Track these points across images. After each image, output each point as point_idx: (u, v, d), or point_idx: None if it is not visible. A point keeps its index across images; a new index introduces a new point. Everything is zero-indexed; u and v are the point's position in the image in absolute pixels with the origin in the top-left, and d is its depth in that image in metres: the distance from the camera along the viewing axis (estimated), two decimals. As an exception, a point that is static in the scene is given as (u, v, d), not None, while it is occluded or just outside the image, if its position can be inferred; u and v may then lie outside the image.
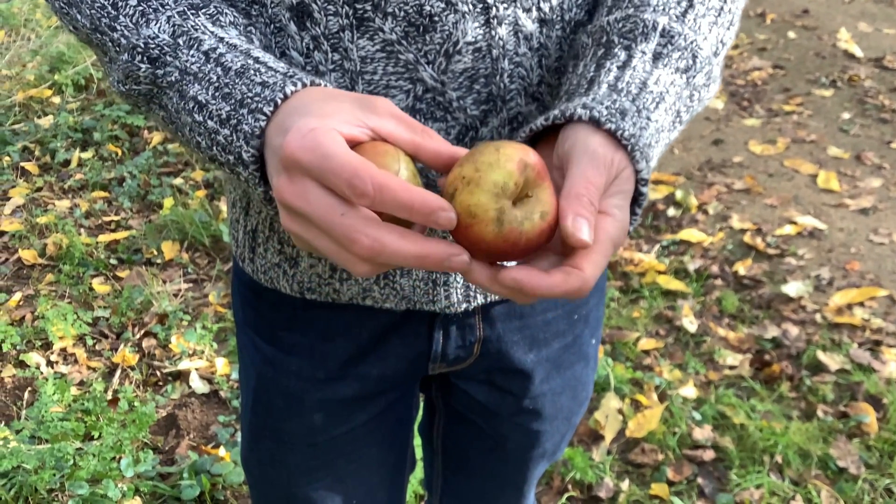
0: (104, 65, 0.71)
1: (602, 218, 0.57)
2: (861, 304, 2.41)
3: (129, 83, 0.67)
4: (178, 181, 3.09)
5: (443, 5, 0.68)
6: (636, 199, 0.62)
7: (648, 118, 0.63)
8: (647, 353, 2.29)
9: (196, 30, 0.65)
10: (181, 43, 0.65)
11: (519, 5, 0.70)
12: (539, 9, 0.72)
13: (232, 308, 1.04)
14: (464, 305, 0.82)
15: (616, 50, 0.68)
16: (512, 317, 0.87)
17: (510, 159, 0.54)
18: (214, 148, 0.62)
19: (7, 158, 3.22)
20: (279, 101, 0.58)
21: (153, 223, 2.85)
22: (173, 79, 0.64)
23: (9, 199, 3.00)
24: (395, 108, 0.57)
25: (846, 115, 3.40)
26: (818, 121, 3.38)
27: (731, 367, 2.23)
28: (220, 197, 2.96)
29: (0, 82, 3.71)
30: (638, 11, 0.70)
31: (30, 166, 3.19)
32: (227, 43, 0.64)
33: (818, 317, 2.38)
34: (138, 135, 3.43)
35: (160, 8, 0.66)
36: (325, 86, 0.61)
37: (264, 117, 0.58)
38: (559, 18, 0.73)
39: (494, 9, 0.69)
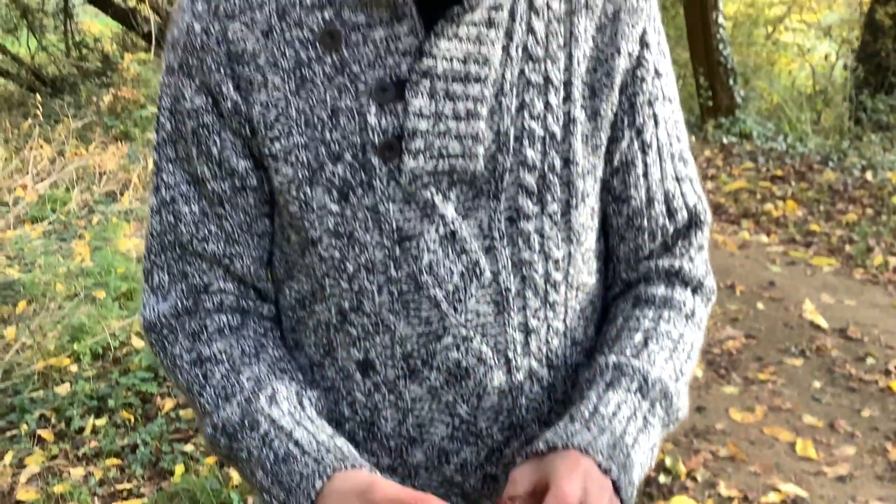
0: (198, 418, 0.95)
1: None
2: (847, 573, 2.51)
3: (214, 447, 0.91)
4: (189, 447, 3.23)
5: (475, 360, 0.90)
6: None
7: (602, 429, 0.85)
8: None
9: (257, 412, 0.89)
10: (246, 424, 0.89)
11: (532, 357, 0.93)
12: (547, 357, 0.95)
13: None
14: None
15: (584, 392, 0.91)
16: None
17: None
18: None
19: (24, 426, 3.37)
20: (314, 497, 0.81)
21: (164, 491, 2.96)
22: (244, 456, 0.88)
23: (25, 467, 3.12)
24: (390, 492, 0.78)
25: (817, 384, 3.64)
26: (791, 389, 3.62)
27: None
28: (229, 464, 3.08)
29: (21, 352, 3.93)
30: (600, 356, 0.94)
31: (46, 434, 3.34)
32: (277, 426, 0.88)
33: (807, 586, 2.47)
34: (151, 401, 3.60)
35: (236, 384, 0.91)
36: (345, 469, 0.82)
37: None
38: (562, 364, 0.96)
39: (514, 361, 0.92)
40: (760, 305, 4.43)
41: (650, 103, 0.97)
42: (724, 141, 7.70)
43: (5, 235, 5.54)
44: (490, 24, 0.88)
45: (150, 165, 5.87)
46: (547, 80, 0.92)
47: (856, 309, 4.36)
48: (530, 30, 0.91)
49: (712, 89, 8.06)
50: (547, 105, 0.92)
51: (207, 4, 0.90)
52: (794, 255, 5.18)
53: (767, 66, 11.28)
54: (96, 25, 13.07)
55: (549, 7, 0.92)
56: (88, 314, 4.22)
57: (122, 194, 6.41)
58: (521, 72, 0.91)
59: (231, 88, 0.90)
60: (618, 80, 0.94)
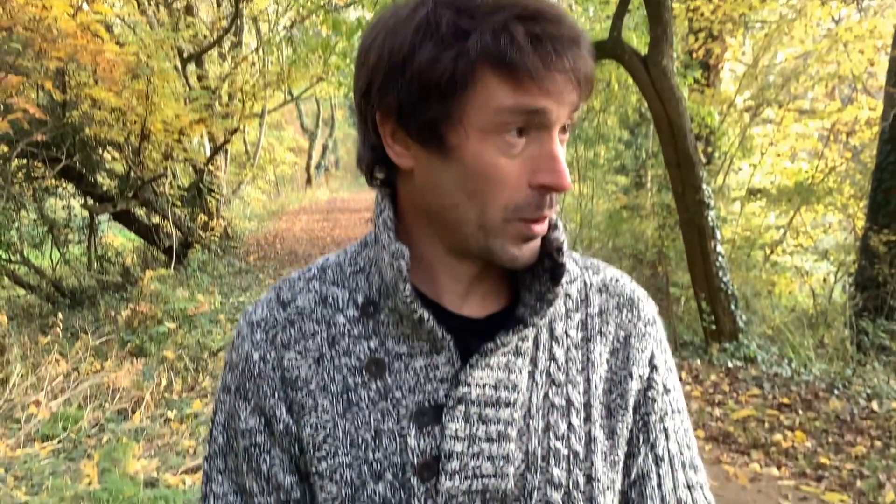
0: None
1: None
2: None
3: None
4: None
5: None
6: None
7: None
8: None
9: None
10: None
11: None
12: None
13: None
14: None
15: None
16: None
17: None
18: None
19: None
20: None
21: None
22: None
23: None
24: None
25: None
26: None
27: None
28: None
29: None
30: None
31: None
32: None
33: None
34: None
35: None
36: None
37: None
38: None
39: None
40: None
41: (661, 419, 1.08)
42: (730, 365, 7.78)
43: (15, 454, 5.53)
44: (517, 352, 1.00)
45: (163, 382, 5.93)
46: (569, 402, 1.03)
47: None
48: (552, 357, 1.04)
49: (714, 314, 8.24)
50: (570, 426, 1.02)
51: (266, 334, 1.03)
52: (805, 489, 5.13)
53: (768, 286, 11.55)
54: (119, 239, 13.59)
55: (567, 335, 1.05)
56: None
57: (133, 412, 6.44)
58: (546, 395, 1.02)
59: (284, 411, 1.01)
60: (631, 402, 1.06)
